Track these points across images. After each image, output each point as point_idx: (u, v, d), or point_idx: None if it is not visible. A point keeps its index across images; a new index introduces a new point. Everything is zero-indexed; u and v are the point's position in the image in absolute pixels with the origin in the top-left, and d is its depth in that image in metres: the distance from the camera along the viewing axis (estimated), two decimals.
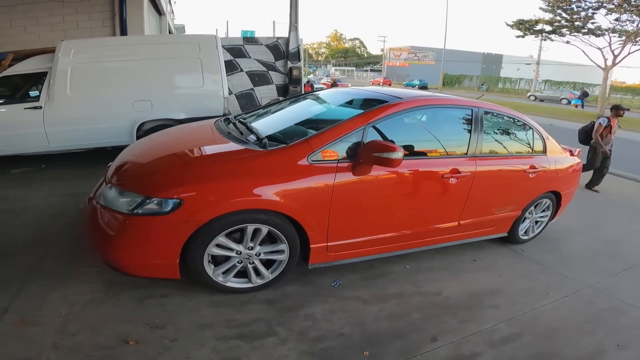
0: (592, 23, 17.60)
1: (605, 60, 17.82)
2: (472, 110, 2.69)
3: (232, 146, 2.26)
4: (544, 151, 3.12)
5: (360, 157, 2.10)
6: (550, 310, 2.44)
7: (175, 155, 2.30)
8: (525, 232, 3.30)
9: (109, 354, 1.74)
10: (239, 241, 2.06)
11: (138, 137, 4.34)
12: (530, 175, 2.93)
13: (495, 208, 2.90)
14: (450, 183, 2.50)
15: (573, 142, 4.67)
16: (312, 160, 2.09)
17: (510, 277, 2.79)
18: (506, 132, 3.02)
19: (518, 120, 3.06)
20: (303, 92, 6.82)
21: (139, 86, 4.51)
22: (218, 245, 2.00)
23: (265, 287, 2.27)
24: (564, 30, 18.35)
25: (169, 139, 2.70)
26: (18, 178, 4.31)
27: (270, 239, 2.13)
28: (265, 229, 2.04)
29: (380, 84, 35.25)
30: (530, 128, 3.09)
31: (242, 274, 2.18)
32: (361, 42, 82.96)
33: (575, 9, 17.55)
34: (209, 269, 2.05)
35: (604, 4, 16.83)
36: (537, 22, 19.00)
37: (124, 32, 7.41)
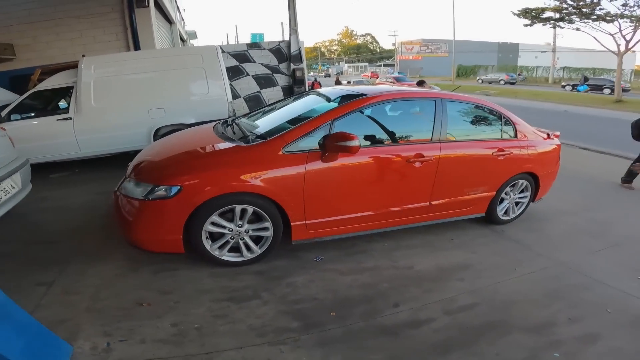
0: (600, 9, 17.22)
1: (618, 45, 17.42)
2: (435, 101, 2.98)
3: (223, 144, 2.72)
4: (515, 135, 3.34)
5: (326, 146, 2.48)
6: (512, 284, 2.59)
7: (177, 153, 2.75)
8: (505, 213, 3.49)
9: (128, 313, 2.18)
10: (231, 220, 2.48)
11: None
12: (500, 158, 3.16)
13: (467, 189, 3.16)
14: (415, 166, 2.82)
15: (586, 129, 4.42)
16: (287, 151, 2.50)
17: (483, 255, 2.97)
18: (473, 119, 3.28)
19: (486, 108, 3.31)
20: (308, 90, 7.18)
21: (152, 95, 5.03)
22: (213, 224, 2.43)
23: (257, 261, 2.67)
24: (573, 17, 17.95)
25: (174, 141, 3.17)
26: (57, 181, 4.95)
27: (257, 218, 2.54)
28: (250, 209, 2.46)
29: (369, 77, 39.90)
30: (498, 115, 3.31)
31: (236, 250, 2.60)
32: (373, 38, 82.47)
33: None
34: (207, 244, 2.48)
35: None
36: (543, 10, 18.65)
37: (136, 43, 8.06)
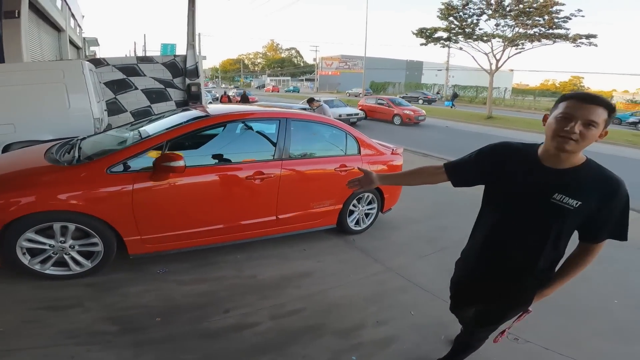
0: (480, 29, 19.36)
1: (490, 64, 19.66)
2: (279, 120, 3.21)
3: (45, 165, 2.64)
4: (358, 152, 3.72)
5: (155, 166, 2.54)
6: (342, 289, 2.75)
7: None
8: (357, 223, 3.81)
9: None
10: (52, 237, 2.43)
11: None
12: (342, 174, 3.46)
13: (313, 203, 3.41)
14: (255, 183, 2.99)
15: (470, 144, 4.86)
16: (112, 172, 2.51)
17: (328, 263, 3.14)
18: (317, 137, 3.56)
19: (332, 127, 3.63)
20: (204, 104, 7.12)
21: (0, 110, 4.54)
22: (30, 240, 2.40)
23: (92, 274, 2.63)
24: (459, 37, 19.88)
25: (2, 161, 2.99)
26: None
27: (85, 234, 2.51)
28: (72, 226, 2.44)
29: (271, 91, 44.81)
30: (343, 132, 3.65)
31: (64, 264, 2.55)
32: (297, 52, 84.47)
33: (463, 16, 19.16)
34: (25, 259, 2.45)
35: (484, 11, 18.65)
36: (435, 30, 20.37)
37: (0, 55, 7.20)
